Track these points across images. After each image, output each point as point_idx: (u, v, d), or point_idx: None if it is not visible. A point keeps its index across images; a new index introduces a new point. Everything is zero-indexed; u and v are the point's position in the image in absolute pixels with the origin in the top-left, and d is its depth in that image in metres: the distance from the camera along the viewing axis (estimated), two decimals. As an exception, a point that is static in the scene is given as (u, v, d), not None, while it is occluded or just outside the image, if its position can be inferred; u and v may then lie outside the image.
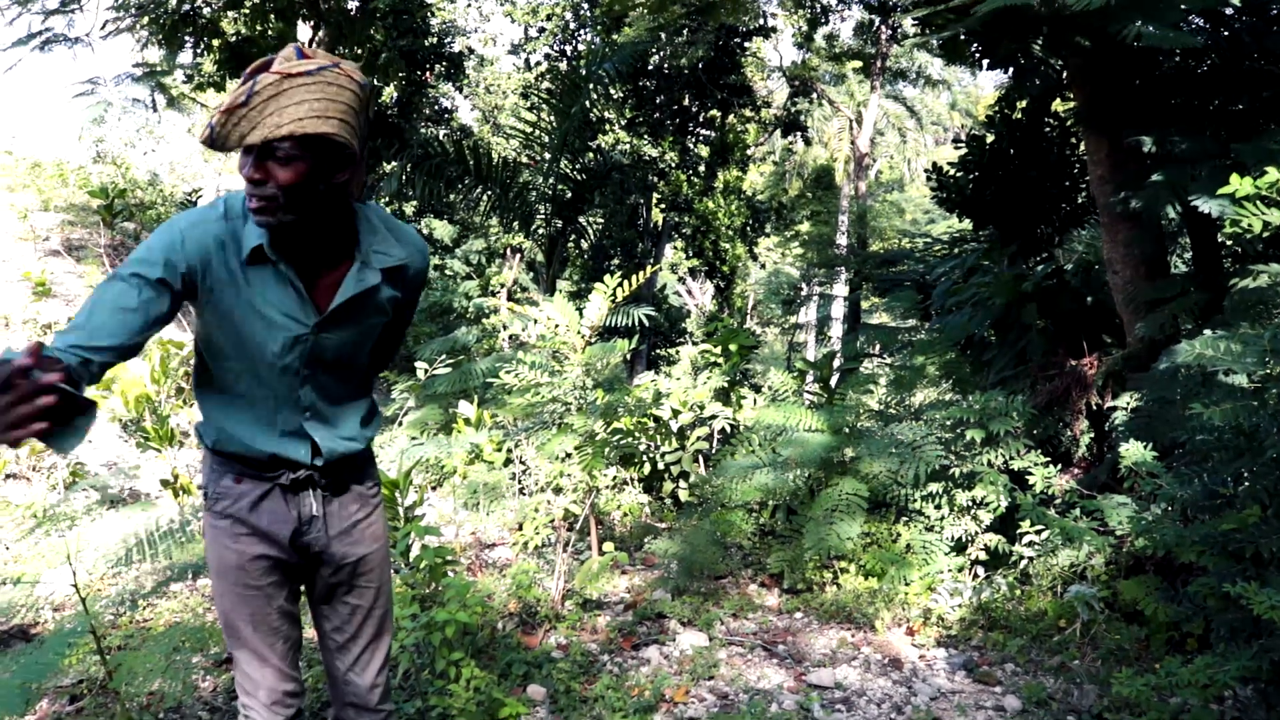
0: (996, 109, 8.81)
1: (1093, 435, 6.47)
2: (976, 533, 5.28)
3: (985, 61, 7.54)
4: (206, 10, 13.61)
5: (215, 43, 14.00)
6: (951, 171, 8.94)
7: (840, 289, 20.23)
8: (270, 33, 13.99)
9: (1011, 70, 8.19)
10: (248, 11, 13.77)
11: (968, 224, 9.50)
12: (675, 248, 21.80)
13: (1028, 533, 5.10)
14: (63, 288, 11.30)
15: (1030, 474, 5.32)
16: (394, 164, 13.64)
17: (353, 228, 2.25)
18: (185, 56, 15.06)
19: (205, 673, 4.31)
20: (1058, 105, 8.48)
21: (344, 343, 2.31)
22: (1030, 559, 5.20)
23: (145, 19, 13.21)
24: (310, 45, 12.67)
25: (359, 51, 14.58)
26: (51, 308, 10.56)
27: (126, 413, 8.37)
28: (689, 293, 25.54)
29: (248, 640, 2.40)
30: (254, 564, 2.35)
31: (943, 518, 5.44)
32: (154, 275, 2.03)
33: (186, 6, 13.20)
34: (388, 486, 4.94)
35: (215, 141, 1.98)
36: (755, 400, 7.49)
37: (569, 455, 5.69)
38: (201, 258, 2.10)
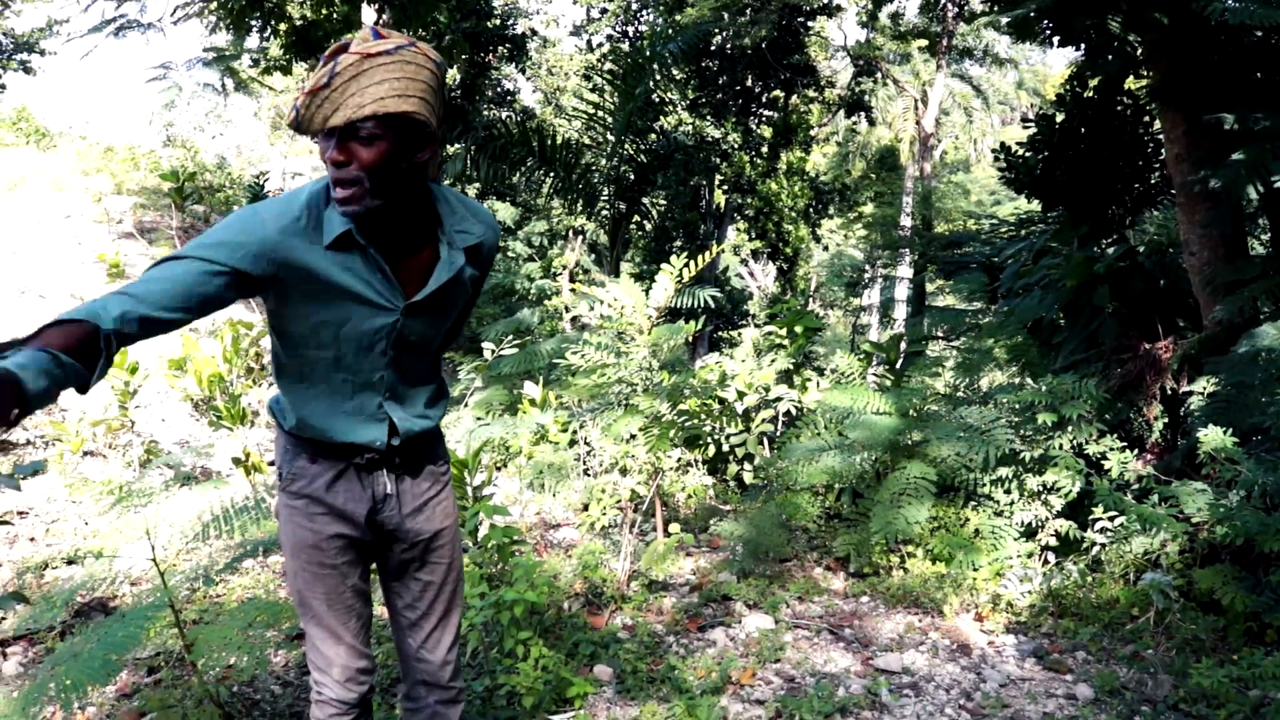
0: (1067, 87, 8.64)
1: (1166, 420, 6.35)
2: (1047, 518, 5.21)
3: (1056, 39, 7.41)
4: (272, -6, 13.78)
5: (281, 26, 14.17)
6: (1020, 151, 8.79)
7: (904, 271, 20.02)
8: (335, 16, 14.12)
9: (1084, 47, 8.04)
10: (313, -6, 13.92)
11: (1036, 205, 9.35)
12: (738, 229, 21.71)
13: (1100, 519, 5.02)
14: (135, 269, 11.52)
15: (1106, 459, 5.23)
16: (458, 146, 13.71)
17: (433, 209, 2.26)
18: (252, 40, 15.28)
19: (278, 647, 4.38)
20: (1131, 82, 8.30)
21: (428, 324, 2.33)
22: (1103, 545, 5.12)
23: (214, 3, 13.41)
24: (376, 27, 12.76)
25: (423, 34, 14.66)
26: (125, 289, 10.78)
27: (199, 392, 8.53)
28: (751, 275, 25.42)
29: (322, 618, 2.43)
30: (329, 543, 2.38)
31: (1012, 502, 5.37)
32: (222, 259, 2.01)
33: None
34: (457, 466, 4.99)
35: (300, 125, 2.01)
36: (819, 383, 7.44)
37: (634, 436, 5.70)
38: (283, 249, 2.09)
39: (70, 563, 5.68)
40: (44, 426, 7.57)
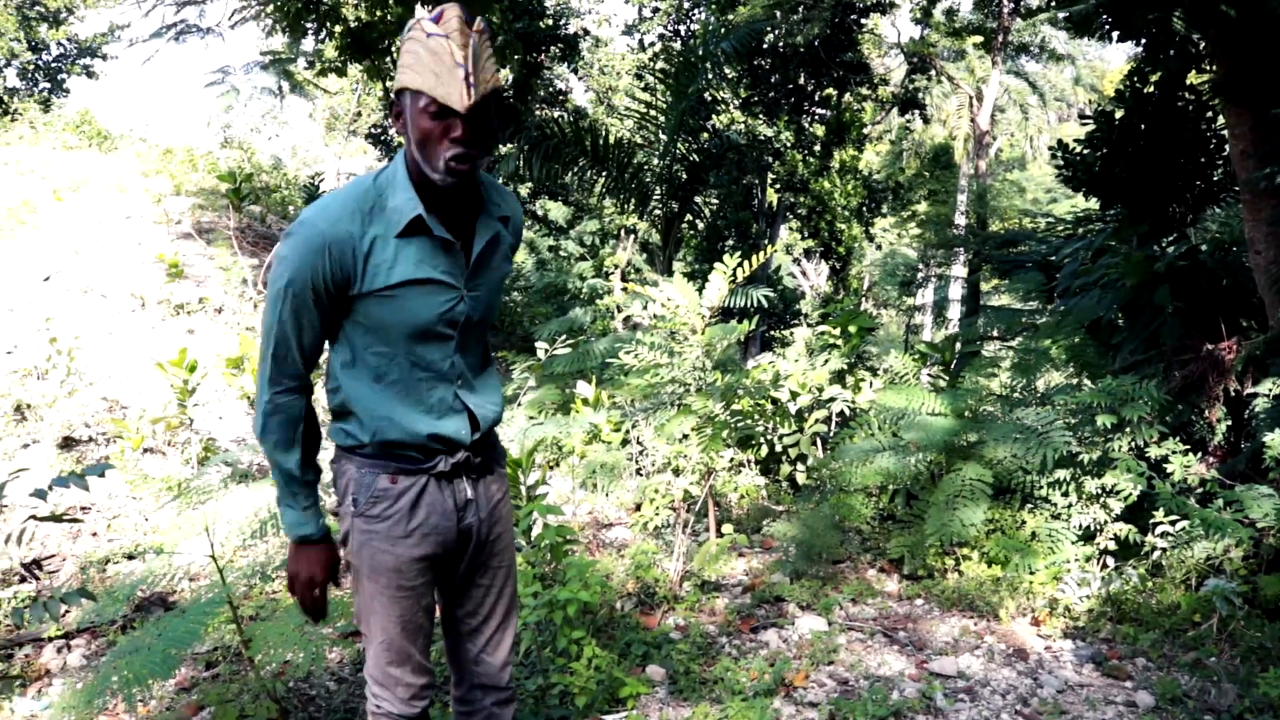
0: (1127, 83, 8.49)
1: (1230, 423, 6.21)
2: (1106, 521, 5.12)
3: (1115, 34, 7.29)
4: (327, -3, 13.91)
5: (336, 29, 14.30)
6: (1078, 149, 8.66)
7: (958, 270, 19.80)
8: (389, 17, 14.23)
9: (1144, 42, 7.90)
10: (368, -2, 14.03)
11: (1093, 203, 9.21)
12: (790, 228, 21.58)
13: (1161, 523, 4.93)
14: (194, 269, 11.69)
15: (1168, 462, 5.13)
16: (511, 146, 13.76)
17: (477, 183, 2.32)
18: (307, 43, 15.44)
19: (332, 644, 4.43)
20: (1193, 77, 8.14)
21: (482, 298, 2.36)
22: (1164, 550, 5.03)
23: (270, 6, 13.57)
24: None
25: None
26: (184, 288, 10.94)
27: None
28: (803, 274, 25.27)
29: (393, 640, 2.41)
30: (412, 566, 2.37)
31: (1070, 505, 5.29)
32: (305, 294, 2.18)
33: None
34: (511, 465, 5.01)
35: (473, 101, 2.07)
36: (873, 383, 7.38)
37: (686, 436, 5.69)
38: (347, 255, 2.15)
39: (130, 558, 5.79)
40: (105, 424, 7.70)
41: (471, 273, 2.30)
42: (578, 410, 7.91)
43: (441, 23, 2.04)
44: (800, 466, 7.02)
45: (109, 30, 29.97)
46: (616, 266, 16.91)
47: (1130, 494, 4.99)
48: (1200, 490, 5.14)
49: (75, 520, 3.12)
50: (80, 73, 30.07)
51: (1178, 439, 5.33)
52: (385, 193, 2.19)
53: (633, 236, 18.95)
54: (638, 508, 6.59)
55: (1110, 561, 5.19)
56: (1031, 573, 5.12)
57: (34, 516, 2.97)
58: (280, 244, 2.20)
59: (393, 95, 2.21)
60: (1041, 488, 5.40)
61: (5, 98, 26.57)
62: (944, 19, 22.03)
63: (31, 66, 29.37)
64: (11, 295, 9.87)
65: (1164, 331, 6.72)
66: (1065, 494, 5.32)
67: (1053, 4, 7.94)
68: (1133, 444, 5.24)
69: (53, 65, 30.04)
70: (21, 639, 4.67)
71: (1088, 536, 5.25)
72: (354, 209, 2.17)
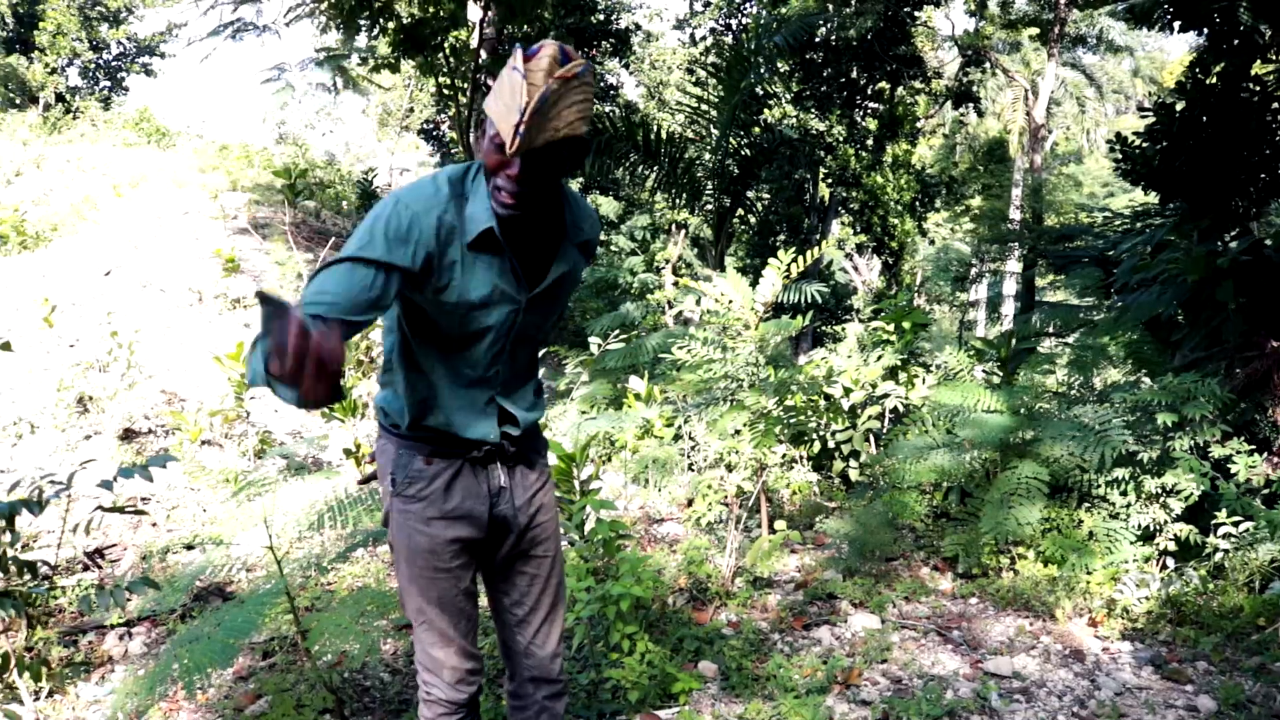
0: (1188, 74, 8.33)
1: (1296, 422, 6.08)
2: (1165, 521, 5.04)
3: (1178, 24, 7.16)
4: (381, -7, 14.02)
5: (390, 25, 14.42)
6: (1137, 142, 8.51)
7: (1013, 266, 19.58)
8: (441, 14, 14.31)
9: (1208, 33, 7.75)
10: (420, -7, 14.12)
11: (1151, 197, 9.04)
12: (842, 223, 21.48)
13: (1224, 524, 4.84)
14: (250, 264, 11.86)
15: (1233, 462, 5.03)
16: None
17: (560, 207, 2.32)
18: (361, 40, 15.58)
19: (386, 636, 4.47)
20: (1258, 68, 7.97)
21: (541, 315, 2.37)
22: (1226, 552, 4.93)
23: (325, 3, 13.70)
24: (482, 25, 12.93)
25: (528, 30, 14.79)
26: (240, 283, 11.10)
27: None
28: (855, 269, 25.15)
29: (433, 622, 2.45)
30: (446, 547, 2.39)
31: (1128, 505, 5.21)
32: (387, 259, 2.06)
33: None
34: (564, 460, 5.02)
35: (519, 149, 2.03)
36: (926, 379, 7.31)
37: (739, 432, 5.67)
38: (432, 241, 2.13)
39: (189, 548, 5.88)
40: (164, 416, 7.83)
41: (538, 296, 2.31)
42: (630, 405, 7.92)
43: (531, 59, 2.02)
44: (853, 463, 6.98)
45: (167, 29, 30.49)
46: (667, 261, 16.89)
47: (1191, 494, 4.90)
48: (1265, 491, 5.03)
49: (141, 512, 3.17)
50: (139, 71, 30.65)
51: (1241, 439, 5.22)
52: (468, 196, 2.20)
53: (684, 231, 18.94)
54: (690, 503, 6.58)
55: (1170, 562, 5.11)
56: (1089, 573, 5.04)
57: (101, 507, 3.02)
58: (374, 211, 2.15)
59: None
60: (1099, 486, 5.32)
61: (67, 96, 27.10)
62: (999, 11, 21.77)
63: (92, 65, 29.96)
64: (74, 290, 10.07)
65: (1226, 328, 6.59)
66: (1124, 493, 5.23)
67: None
68: (1194, 443, 5.14)
69: (113, 64, 30.66)
70: (85, 625, 4.76)
71: (1147, 537, 5.16)
72: (444, 198, 2.17)
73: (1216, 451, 5.08)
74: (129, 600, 4.77)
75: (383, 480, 2.45)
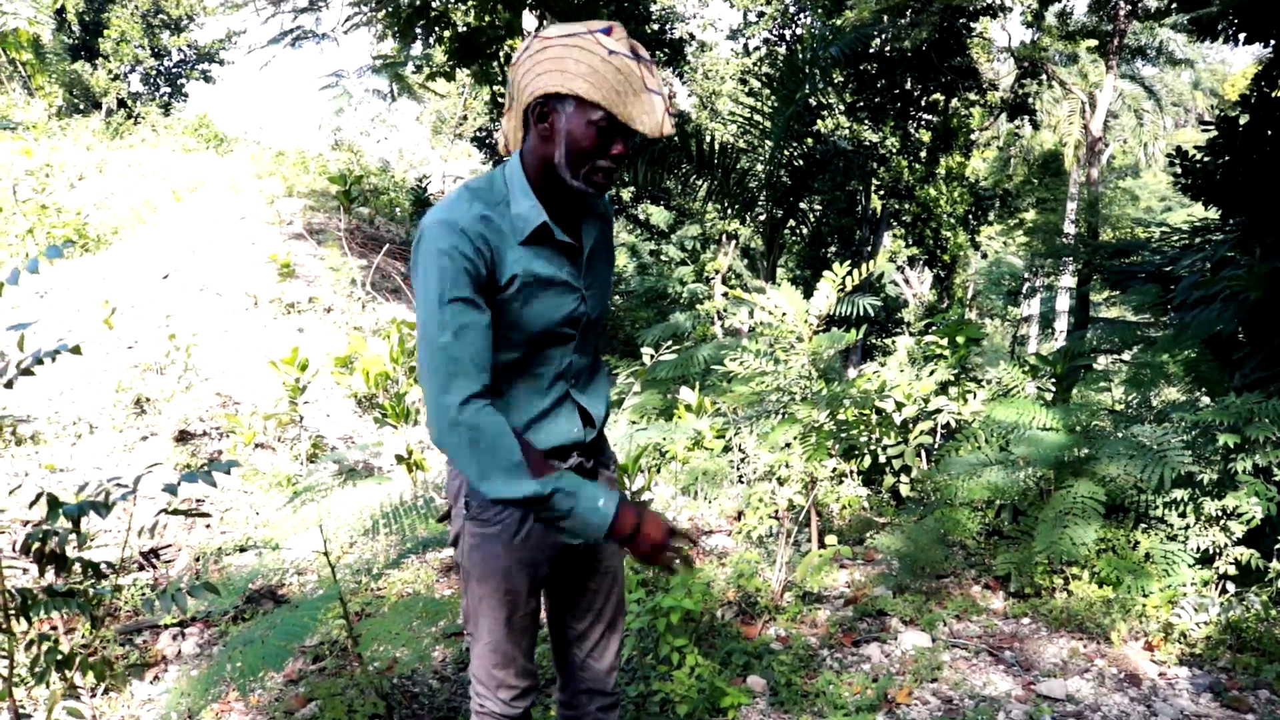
0: (1252, 87, 8.19)
1: (1361, 445, 5.94)
2: (1226, 545, 4.94)
3: (1242, 36, 7.04)
4: (436, 2, 14.18)
5: (446, 34, 14.57)
6: (1198, 156, 8.38)
7: (1067, 280, 19.33)
8: (497, 23, 14.45)
9: (1273, 44, 7.62)
10: (476, 3, 14.26)
11: (1211, 212, 8.89)
12: (894, 235, 21.35)
13: (1287, 548, 4.74)
14: (304, 269, 11.99)
15: (1298, 485, 4.91)
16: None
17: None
18: (417, 48, 15.76)
19: (435, 642, 4.49)
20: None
21: (597, 295, 2.38)
22: (1289, 577, 4.83)
23: (383, 12, 13.87)
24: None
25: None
26: (295, 288, 11.23)
27: (365, 389, 8.83)
28: (906, 281, 24.96)
29: (498, 642, 2.43)
30: (520, 571, 2.37)
31: (1187, 527, 5.11)
32: (474, 298, 2.11)
33: (419, 0, 13.77)
34: (618, 471, 5.02)
35: (662, 130, 2.11)
36: (979, 394, 7.23)
37: (789, 445, 5.64)
38: (486, 250, 2.13)
39: (242, 550, 5.96)
40: (219, 419, 7.94)
41: (585, 272, 2.32)
42: (680, 416, 7.91)
43: (619, 41, 2.04)
44: (904, 478, 6.91)
45: (227, 36, 31.01)
46: (717, 271, 16.88)
47: (1253, 517, 4.80)
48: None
49: (203, 514, 3.21)
50: (199, 77, 31.19)
51: (1306, 462, 5.09)
52: (506, 199, 2.20)
53: (734, 242, 18.91)
54: (739, 516, 6.56)
55: (1230, 587, 5.00)
56: (1145, 595, 4.95)
57: (165, 510, 3.07)
58: (420, 246, 2.15)
59: (538, 96, 2.10)
60: (1157, 508, 5.23)
61: (129, 102, 27.63)
62: (1056, 22, 21.53)
63: (154, 72, 30.54)
64: (133, 292, 10.24)
65: (1290, 348, 6.46)
66: (1182, 515, 5.14)
67: (1174, 6, 7.67)
68: (1258, 465, 5.04)
69: (173, 70, 31.25)
70: (141, 625, 4.83)
71: (1206, 560, 5.06)
72: (484, 214, 2.16)
73: (1280, 475, 4.97)
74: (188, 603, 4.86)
75: (455, 502, 2.43)
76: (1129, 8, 19.24)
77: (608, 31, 2.04)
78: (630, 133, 2.11)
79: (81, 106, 26.38)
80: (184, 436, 7.65)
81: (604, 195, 2.29)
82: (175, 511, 3.17)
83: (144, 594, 5.05)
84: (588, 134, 2.08)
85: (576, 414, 2.39)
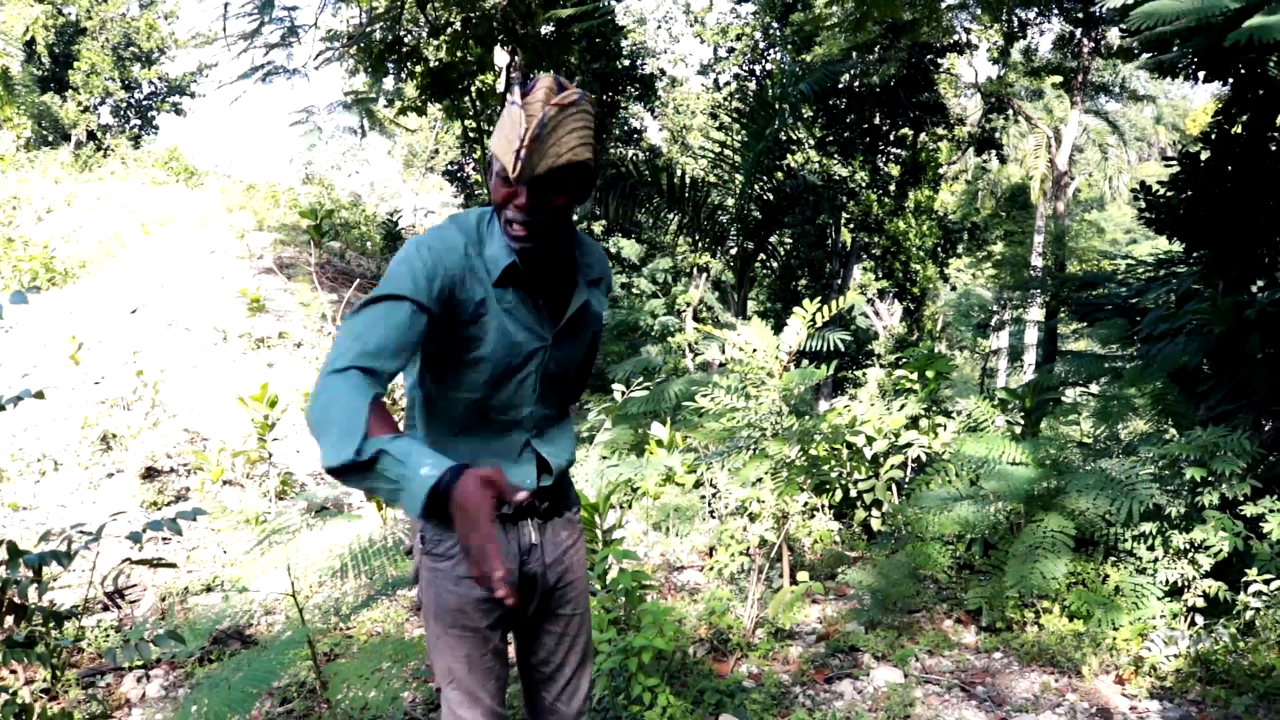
0: (1213, 124, 8.32)
1: (1327, 477, 6.00)
2: (1194, 578, 4.97)
3: (1202, 74, 7.15)
4: (408, 38, 14.21)
5: (418, 69, 14.59)
6: (1161, 190, 8.49)
7: (1035, 313, 19.50)
8: (469, 58, 14.48)
9: (1232, 83, 7.75)
10: (448, 39, 14.31)
11: (1175, 245, 9.01)
12: (864, 268, 21.50)
13: (1254, 581, 4.77)
14: (274, 304, 11.94)
15: (1265, 520, 4.95)
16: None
17: (571, 245, 2.33)
18: (388, 82, 15.77)
19: (405, 685, 4.44)
20: (1284, 118, 7.94)
21: (568, 354, 2.38)
22: (1258, 610, 4.85)
23: (354, 48, 13.88)
24: (509, 70, 13.08)
25: (554, 74, 14.88)
26: (264, 323, 11.17)
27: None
28: (876, 314, 25.10)
29: (461, 681, 2.40)
30: (475, 607, 2.35)
31: (1156, 560, 5.14)
32: (416, 298, 2.05)
33: (391, 36, 13.79)
34: (587, 509, 5.00)
35: (522, 175, 2.06)
36: (949, 427, 7.27)
37: (760, 480, 5.64)
38: (456, 281, 2.14)
39: (209, 589, 5.88)
40: (187, 455, 7.85)
41: (560, 333, 2.32)
42: (652, 452, 7.90)
43: (529, 92, 2.06)
44: (875, 512, 6.93)
45: (198, 69, 30.94)
46: (689, 304, 16.91)
47: (1221, 550, 4.84)
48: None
49: (170, 565, 3.16)
50: (170, 110, 31.10)
51: (1274, 496, 5.13)
52: (485, 239, 2.22)
53: (705, 275, 18.96)
54: (710, 552, 6.54)
55: (1199, 619, 5.03)
56: (1115, 628, 4.97)
57: (129, 560, 3.03)
58: (399, 255, 2.15)
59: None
60: (1126, 541, 5.26)
61: (99, 134, 27.50)
62: (1022, 59, 21.84)
63: (124, 104, 30.43)
64: (101, 327, 10.15)
65: (1255, 380, 6.53)
66: (1151, 548, 5.17)
67: (1137, 51, 7.78)
68: (1224, 498, 5.08)
69: (144, 103, 31.14)
70: (104, 668, 4.75)
71: (1175, 592, 5.09)
72: (463, 242, 2.19)
73: (1249, 510, 5.00)
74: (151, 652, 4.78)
75: (413, 537, 2.43)
76: (1092, 45, 19.55)
77: (530, 88, 2.07)
78: (541, 184, 2.08)
79: (50, 138, 26.24)
80: (151, 474, 7.56)
81: (530, 247, 2.16)
82: (140, 561, 3.13)
83: (108, 635, 4.97)
84: (495, 186, 2.14)
85: (534, 463, 2.38)
